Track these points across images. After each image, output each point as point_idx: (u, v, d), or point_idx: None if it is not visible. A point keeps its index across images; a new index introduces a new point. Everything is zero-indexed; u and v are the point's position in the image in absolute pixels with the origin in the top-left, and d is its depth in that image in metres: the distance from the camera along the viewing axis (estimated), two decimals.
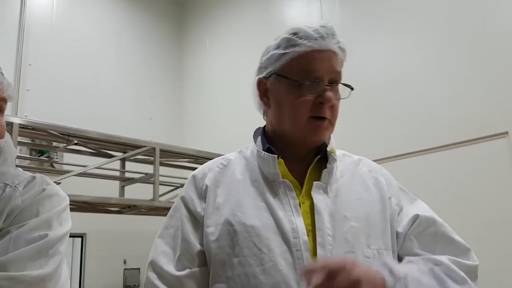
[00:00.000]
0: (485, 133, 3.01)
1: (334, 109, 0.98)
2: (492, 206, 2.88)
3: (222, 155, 1.12)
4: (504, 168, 2.90)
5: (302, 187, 0.99)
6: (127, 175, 3.76)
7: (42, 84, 4.17)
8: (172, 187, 4.10)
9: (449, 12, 3.32)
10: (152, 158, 3.54)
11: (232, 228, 0.93)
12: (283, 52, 0.99)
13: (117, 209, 3.67)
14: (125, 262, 4.33)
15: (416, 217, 1.00)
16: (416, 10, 3.51)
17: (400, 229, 0.99)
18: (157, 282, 0.95)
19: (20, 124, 2.85)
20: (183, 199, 1.03)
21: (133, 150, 3.50)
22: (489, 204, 2.90)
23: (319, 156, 1.02)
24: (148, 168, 3.66)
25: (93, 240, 4.18)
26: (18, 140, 2.94)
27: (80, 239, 4.14)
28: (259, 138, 1.06)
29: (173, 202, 1.09)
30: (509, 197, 2.84)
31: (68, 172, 3.27)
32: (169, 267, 0.96)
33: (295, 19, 4.29)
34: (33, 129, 2.99)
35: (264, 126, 1.10)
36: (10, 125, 2.72)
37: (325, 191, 0.98)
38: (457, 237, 1.00)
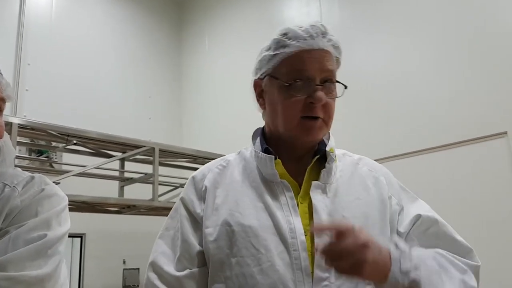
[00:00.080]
0: (484, 133, 3.01)
1: (328, 108, 0.97)
2: (491, 206, 2.89)
3: (222, 155, 1.12)
4: (504, 168, 2.90)
5: (300, 187, 0.99)
6: (126, 175, 3.76)
7: (41, 84, 4.16)
8: (172, 187, 4.10)
9: (449, 12, 3.33)
10: (151, 158, 3.54)
11: (230, 229, 0.94)
12: (273, 53, 0.99)
13: (116, 209, 3.67)
14: (124, 262, 4.33)
15: (418, 217, 1.00)
16: (416, 10, 3.51)
17: (401, 229, 0.99)
18: (157, 283, 0.96)
19: (19, 124, 2.84)
20: (183, 200, 1.04)
21: (132, 150, 3.50)
22: (489, 204, 2.90)
23: (318, 156, 1.01)
24: (147, 168, 3.66)
25: (93, 240, 4.17)
26: (17, 140, 2.94)
27: (79, 239, 4.14)
28: (258, 139, 1.06)
29: (173, 202, 1.09)
30: (509, 197, 2.84)
31: (67, 172, 3.27)
32: (169, 267, 0.97)
33: (294, 19, 4.29)
34: (32, 129, 2.98)
35: (264, 127, 1.10)
36: (9, 125, 2.72)
37: (324, 191, 0.97)
38: (459, 237, 1.00)
